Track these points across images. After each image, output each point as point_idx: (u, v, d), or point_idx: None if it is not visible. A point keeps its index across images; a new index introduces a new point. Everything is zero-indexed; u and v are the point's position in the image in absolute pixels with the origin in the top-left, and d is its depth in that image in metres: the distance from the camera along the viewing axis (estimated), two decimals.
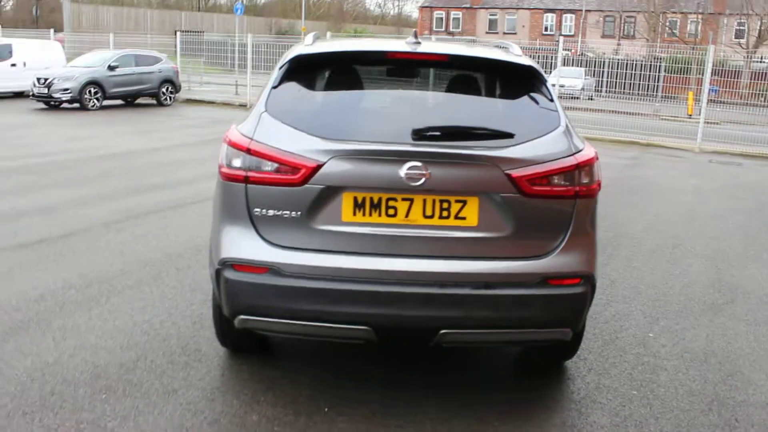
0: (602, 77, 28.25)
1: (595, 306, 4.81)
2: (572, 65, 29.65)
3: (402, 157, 2.86)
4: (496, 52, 3.45)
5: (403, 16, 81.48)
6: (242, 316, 3.06)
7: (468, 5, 52.73)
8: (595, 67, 29.03)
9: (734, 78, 21.38)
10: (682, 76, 25.66)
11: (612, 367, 3.88)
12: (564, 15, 48.61)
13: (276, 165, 2.94)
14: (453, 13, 53.75)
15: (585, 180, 3.05)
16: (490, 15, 51.98)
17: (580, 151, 3.06)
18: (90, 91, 16.90)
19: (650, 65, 27.12)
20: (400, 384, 3.56)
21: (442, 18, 54.47)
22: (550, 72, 20.77)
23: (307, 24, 49.71)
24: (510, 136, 3.00)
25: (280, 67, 3.25)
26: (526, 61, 3.28)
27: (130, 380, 3.51)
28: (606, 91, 27.39)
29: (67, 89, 16.49)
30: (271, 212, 2.97)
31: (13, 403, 3.24)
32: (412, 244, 2.94)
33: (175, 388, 3.44)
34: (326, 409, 3.28)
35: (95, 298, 4.61)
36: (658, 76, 26.51)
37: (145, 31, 38.38)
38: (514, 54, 3.47)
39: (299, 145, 2.94)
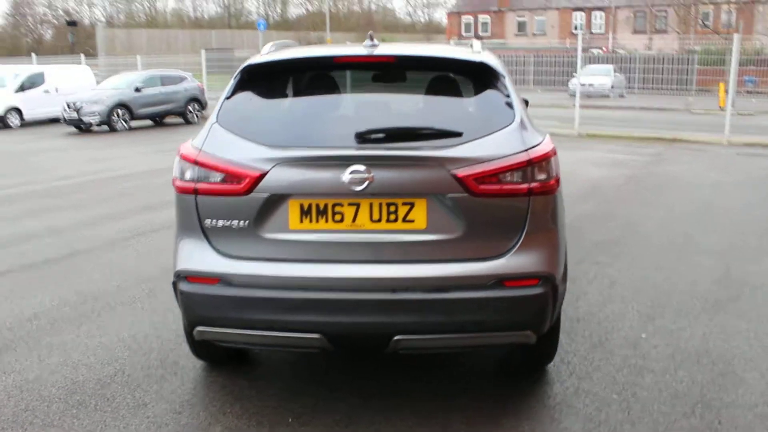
0: (634, 73, 27.80)
1: (589, 307, 4.71)
2: (604, 63, 29.23)
3: (344, 161, 2.82)
4: (449, 50, 3.39)
5: (434, 23, 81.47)
6: (199, 328, 3.07)
7: (496, 9, 52.43)
8: (626, 63, 28.59)
9: None
10: (716, 68, 25.06)
11: (595, 371, 3.75)
12: (593, 13, 47.85)
13: (222, 175, 2.94)
14: (481, 17, 53.51)
15: (540, 176, 2.96)
16: (519, 17, 51.56)
17: (534, 146, 2.97)
18: (118, 113, 17.33)
19: (683, 59, 26.58)
20: (370, 392, 3.51)
21: (470, 23, 54.31)
22: (575, 72, 20.44)
23: (335, 36, 50.15)
24: (458, 134, 2.93)
25: (234, 78, 3.27)
26: (478, 57, 3.21)
27: (103, 395, 3.54)
28: (638, 88, 26.94)
29: (95, 112, 16.94)
30: (220, 223, 2.97)
31: None
32: (360, 249, 2.89)
33: (146, 401, 3.46)
34: (290, 420, 3.25)
35: (87, 315, 4.68)
36: (691, 69, 25.97)
37: (177, 51, 39.23)
38: (473, 51, 3.41)
39: (244, 154, 2.93)
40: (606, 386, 3.57)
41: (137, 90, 17.82)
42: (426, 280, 2.86)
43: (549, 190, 3.01)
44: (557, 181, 3.05)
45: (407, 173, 2.84)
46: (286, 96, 3.23)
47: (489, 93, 3.16)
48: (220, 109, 3.18)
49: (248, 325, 2.96)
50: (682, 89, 25.30)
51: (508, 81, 3.23)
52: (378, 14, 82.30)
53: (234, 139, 3.01)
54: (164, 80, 18.71)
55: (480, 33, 52.96)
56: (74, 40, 37.41)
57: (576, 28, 46.35)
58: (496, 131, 2.98)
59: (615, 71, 27.71)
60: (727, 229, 6.91)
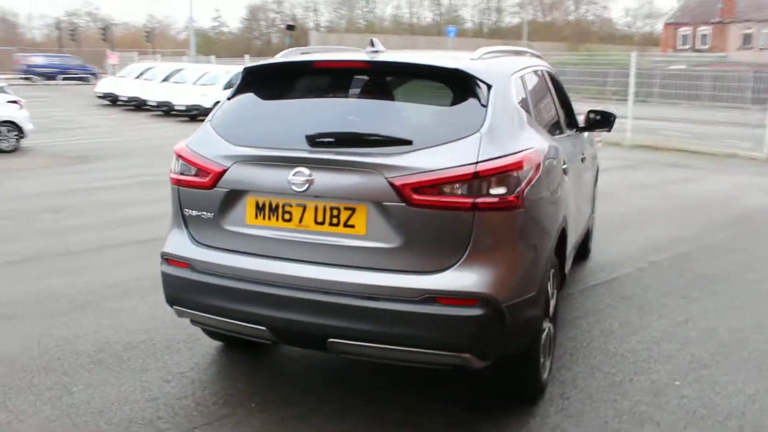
0: None
1: (638, 343, 4.32)
2: None
3: (290, 162, 2.92)
4: (433, 56, 3.32)
5: (654, 35, 76.27)
6: (175, 306, 3.35)
7: (717, 20, 47.63)
8: None
9: None
10: None
11: (591, 411, 3.43)
12: None
13: (196, 169, 3.18)
14: (700, 29, 48.98)
15: (492, 191, 2.80)
16: (744, 29, 46.37)
17: (490, 159, 2.82)
18: None
19: None
20: (344, 394, 3.55)
21: (687, 35, 49.98)
22: None
23: (540, 45, 49.14)
24: (408, 142, 2.88)
25: (238, 81, 3.50)
26: (453, 64, 3.10)
27: (121, 356, 3.98)
28: None
29: None
30: (194, 212, 3.22)
31: (26, 362, 3.89)
32: (302, 249, 2.97)
33: (149, 368, 3.83)
34: (253, 405, 3.42)
35: (157, 289, 5.03)
36: None
37: None
38: (471, 57, 3.32)
39: (214, 151, 3.15)
40: (589, 431, 3.26)
41: None
42: (357, 286, 2.85)
43: (506, 207, 2.84)
44: (518, 198, 2.86)
45: (347, 178, 2.86)
46: (267, 98, 3.38)
47: (460, 101, 3.05)
48: (218, 110, 3.44)
49: (206, 309, 3.17)
50: None
51: (494, 90, 3.08)
52: (594, 25, 79.01)
53: (214, 137, 3.24)
54: None
55: (698, 46, 48.60)
56: (291, 43, 40.91)
57: None
58: (453, 141, 2.88)
59: None
60: None
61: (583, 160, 4.70)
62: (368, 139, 2.96)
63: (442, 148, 2.85)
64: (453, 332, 2.80)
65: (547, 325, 3.44)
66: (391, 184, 2.79)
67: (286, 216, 2.99)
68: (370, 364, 3.74)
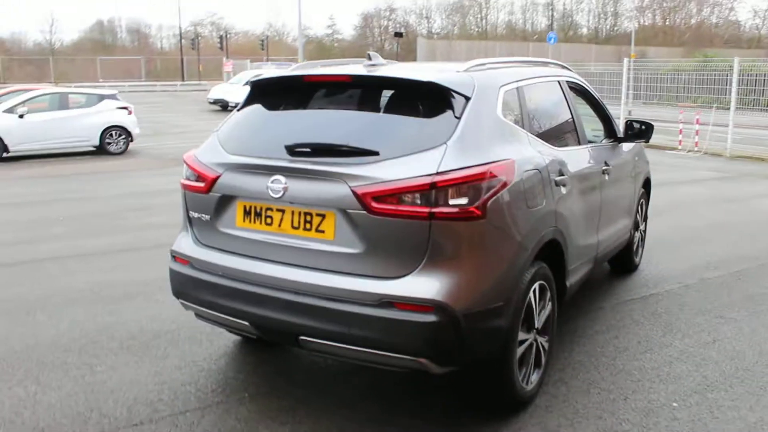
0: None
1: (650, 362, 4.24)
2: None
3: (268, 170, 3.17)
4: (412, 70, 3.44)
5: None
6: (180, 300, 3.67)
7: None
8: None
9: None
10: None
11: (569, 427, 3.41)
12: None
13: (196, 175, 3.49)
14: None
15: (452, 201, 2.90)
16: None
17: (451, 170, 2.92)
18: None
19: None
20: (341, 392, 3.74)
21: None
22: None
23: (654, 51, 47.19)
24: (374, 153, 3.04)
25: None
26: (429, 77, 3.21)
27: (147, 343, 4.37)
28: None
29: None
30: (196, 215, 3.53)
31: (66, 342, 4.37)
32: (279, 251, 3.20)
33: (168, 355, 4.20)
34: (246, 395, 3.69)
35: None
36: None
37: None
38: (457, 70, 3.42)
39: (212, 158, 3.45)
40: None
41: None
42: (323, 288, 3.04)
43: (467, 217, 2.93)
44: (479, 209, 2.94)
45: (317, 186, 3.06)
46: (264, 110, 3.63)
47: (433, 113, 3.17)
48: (226, 120, 3.74)
49: (202, 303, 3.47)
50: None
51: (473, 101, 3.19)
52: (718, 28, 74.50)
53: (216, 146, 3.54)
54: None
55: None
56: (398, 50, 41.77)
57: None
58: (417, 152, 3.00)
59: None
60: None
61: (605, 172, 4.63)
62: (339, 150, 3.15)
63: (406, 159, 2.99)
64: (409, 337, 2.93)
65: (529, 337, 3.47)
66: (354, 193, 2.96)
67: (268, 220, 3.23)
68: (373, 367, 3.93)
